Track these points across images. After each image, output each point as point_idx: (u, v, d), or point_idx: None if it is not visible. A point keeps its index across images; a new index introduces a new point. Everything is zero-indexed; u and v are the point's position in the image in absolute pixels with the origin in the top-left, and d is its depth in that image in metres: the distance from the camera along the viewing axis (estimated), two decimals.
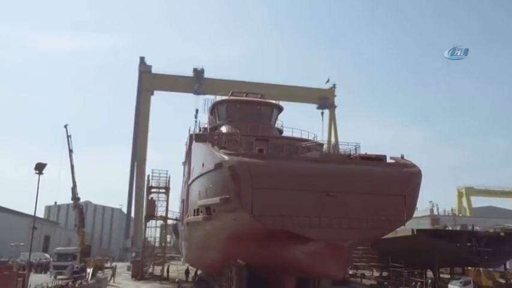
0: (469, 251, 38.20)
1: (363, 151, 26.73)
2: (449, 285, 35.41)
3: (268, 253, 23.08)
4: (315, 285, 27.83)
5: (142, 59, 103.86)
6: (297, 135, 38.58)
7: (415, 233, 37.44)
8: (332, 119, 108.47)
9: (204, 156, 25.38)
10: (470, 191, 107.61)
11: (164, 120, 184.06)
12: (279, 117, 45.25)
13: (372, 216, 20.68)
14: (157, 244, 56.04)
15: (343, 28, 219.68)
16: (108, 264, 51.85)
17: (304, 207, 20.21)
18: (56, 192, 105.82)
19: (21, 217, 71.13)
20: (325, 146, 37.84)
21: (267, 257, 23.53)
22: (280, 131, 44.13)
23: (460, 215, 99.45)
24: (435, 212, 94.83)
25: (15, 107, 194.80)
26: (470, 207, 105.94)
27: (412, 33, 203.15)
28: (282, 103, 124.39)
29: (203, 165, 24.78)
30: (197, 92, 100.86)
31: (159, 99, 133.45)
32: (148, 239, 52.10)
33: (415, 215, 76.98)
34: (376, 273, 47.48)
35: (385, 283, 42.21)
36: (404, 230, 39.92)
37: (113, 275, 39.16)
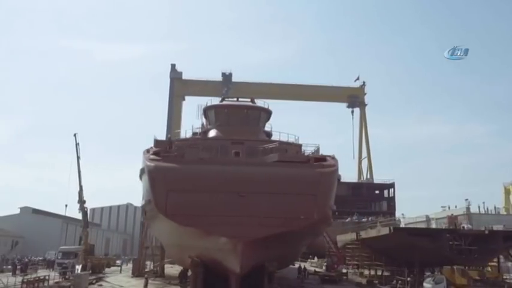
0: (451, 249, 37.67)
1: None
2: (424, 284, 35.14)
3: (200, 250, 24.79)
4: (270, 280, 29.22)
5: (173, 66, 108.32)
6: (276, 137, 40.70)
7: (392, 231, 37.44)
8: (362, 117, 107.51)
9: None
10: None
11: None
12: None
13: (282, 215, 21.82)
14: None
15: (393, 27, 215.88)
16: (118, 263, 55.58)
17: (216, 206, 21.77)
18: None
19: (55, 218, 76.77)
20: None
21: (202, 254, 25.21)
22: (269, 134, 45.59)
23: (505, 213, 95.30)
24: (472, 211, 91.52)
25: (66, 114, 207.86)
26: None
27: (459, 31, 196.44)
28: (312, 103, 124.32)
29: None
30: (225, 96, 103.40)
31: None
32: None
33: (449, 213, 74.01)
34: (372, 272, 47.31)
35: (375, 282, 42.35)
36: (384, 228, 40.15)
37: (92, 271, 42.41)
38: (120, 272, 49.21)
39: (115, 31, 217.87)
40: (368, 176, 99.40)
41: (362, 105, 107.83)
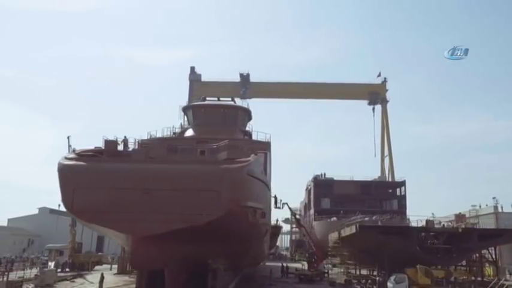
0: (423, 248, 36.24)
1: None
2: (388, 283, 33.89)
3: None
4: (214, 277, 29.41)
5: (192, 68, 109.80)
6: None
7: (358, 229, 36.42)
8: (384, 114, 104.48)
9: None
10: None
11: None
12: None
13: (185, 211, 21.85)
14: None
15: (435, 24, 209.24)
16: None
17: (120, 204, 22.07)
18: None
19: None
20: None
21: None
22: (248, 133, 45.65)
23: None
24: (500, 210, 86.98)
25: (114, 117, 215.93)
26: None
27: (501, 28, 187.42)
28: (333, 101, 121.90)
29: None
30: (243, 97, 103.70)
31: None
32: None
33: (480, 212, 70.17)
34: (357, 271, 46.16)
35: (354, 281, 41.43)
36: (352, 227, 39.03)
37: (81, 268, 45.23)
38: (111, 269, 50.76)
39: (158, 36, 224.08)
40: (389, 175, 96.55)
41: (384, 102, 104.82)
